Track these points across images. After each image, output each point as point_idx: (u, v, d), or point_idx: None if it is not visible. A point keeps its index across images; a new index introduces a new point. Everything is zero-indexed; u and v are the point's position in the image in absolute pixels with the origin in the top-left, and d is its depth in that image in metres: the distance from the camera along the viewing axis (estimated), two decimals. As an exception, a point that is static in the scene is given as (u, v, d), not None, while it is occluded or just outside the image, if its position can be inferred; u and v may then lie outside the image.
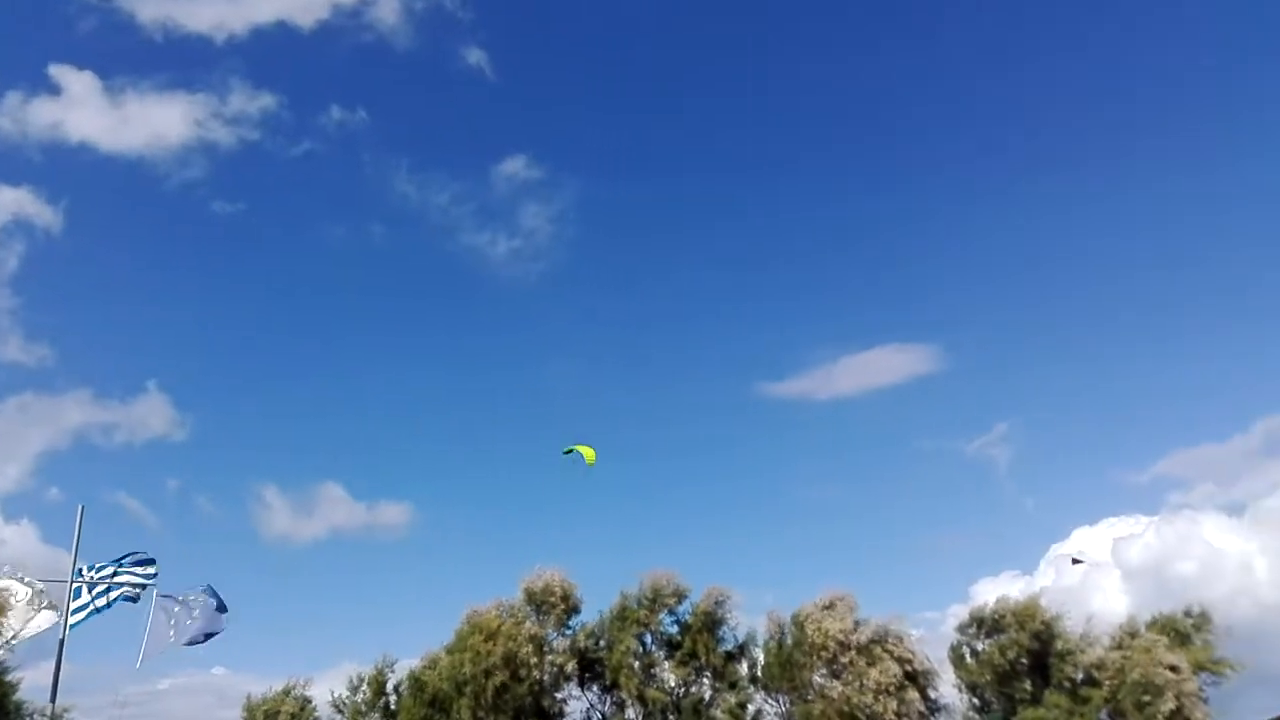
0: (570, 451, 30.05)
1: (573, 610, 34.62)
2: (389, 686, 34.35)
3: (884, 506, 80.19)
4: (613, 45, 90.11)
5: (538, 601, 34.18)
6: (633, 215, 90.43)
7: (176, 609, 25.26)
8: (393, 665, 34.50)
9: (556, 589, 34.13)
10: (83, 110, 72.87)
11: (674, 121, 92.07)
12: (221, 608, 24.49)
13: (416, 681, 33.36)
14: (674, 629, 35.06)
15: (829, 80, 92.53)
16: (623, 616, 34.56)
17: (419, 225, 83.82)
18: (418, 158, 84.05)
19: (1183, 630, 34.63)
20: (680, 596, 35.27)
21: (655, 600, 34.99)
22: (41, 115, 72.66)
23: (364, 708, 33.83)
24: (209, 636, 24.79)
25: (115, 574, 23.69)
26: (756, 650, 35.20)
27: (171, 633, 25.07)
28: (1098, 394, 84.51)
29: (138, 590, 23.93)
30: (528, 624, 33.46)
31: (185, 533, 71.46)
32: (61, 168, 76.23)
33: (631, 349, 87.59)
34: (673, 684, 34.08)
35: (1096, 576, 50.48)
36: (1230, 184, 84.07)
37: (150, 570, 24.15)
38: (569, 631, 34.53)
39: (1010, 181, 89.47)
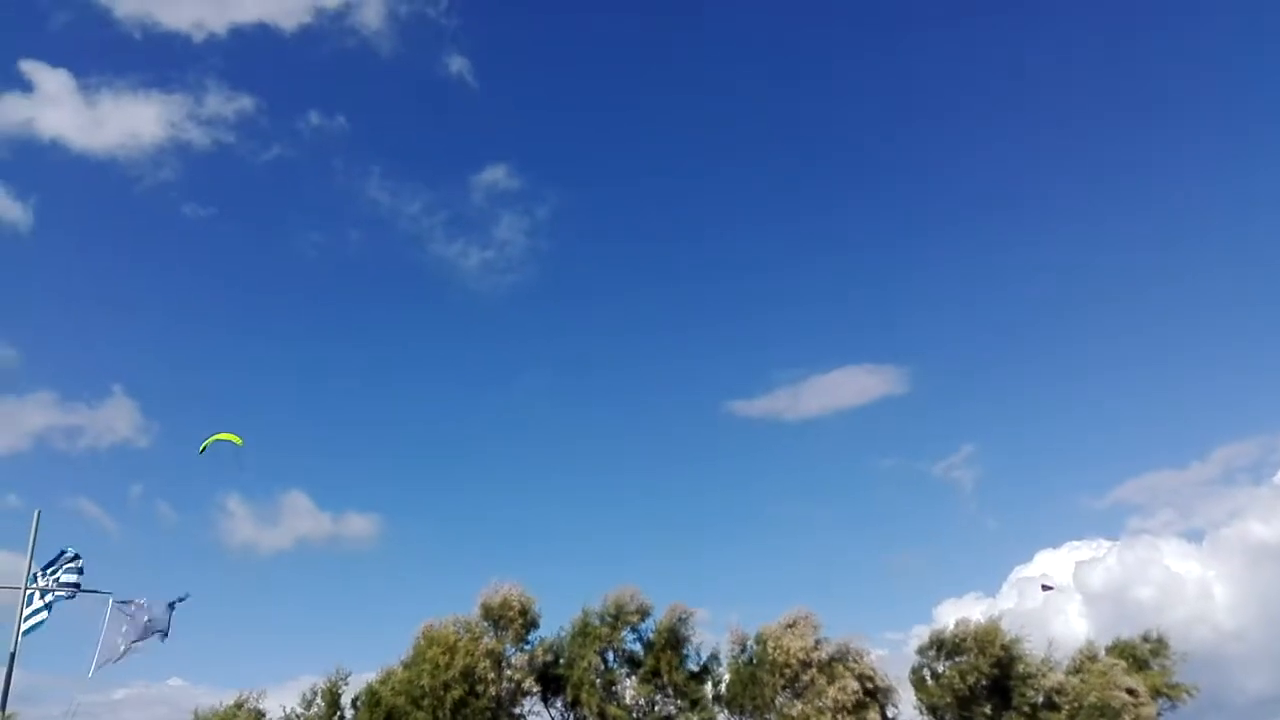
0: (204, 449, 29.84)
1: (531, 625, 34.25)
2: (344, 700, 33.70)
3: (850, 526, 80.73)
4: (597, 57, 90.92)
5: (495, 616, 33.78)
6: (607, 229, 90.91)
7: (130, 617, 24.85)
8: (347, 678, 33.87)
9: (515, 603, 33.75)
10: (55, 108, 71.99)
11: (654, 135, 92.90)
12: (170, 607, 24.13)
13: (372, 695, 32.81)
14: (637, 646, 34.81)
15: (804, 100, 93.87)
16: (584, 633, 34.25)
17: (390, 234, 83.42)
18: (392, 165, 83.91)
19: (1141, 655, 35.01)
20: (644, 613, 35.02)
21: (618, 617, 34.73)
22: (12, 112, 71.71)
23: (317, 722, 33.15)
24: (158, 634, 24.42)
25: (58, 577, 23.25)
26: (720, 669, 35.03)
27: (122, 642, 24.64)
28: (1061, 418, 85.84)
29: (73, 590, 23.51)
30: (485, 639, 33.07)
31: (146, 540, 70.28)
32: (32, 165, 75.29)
33: (601, 364, 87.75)
34: (635, 702, 33.75)
35: (1058, 600, 50.99)
36: (1189, 214, 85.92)
37: (78, 564, 23.77)
38: (528, 647, 34.15)
39: (979, 207, 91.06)
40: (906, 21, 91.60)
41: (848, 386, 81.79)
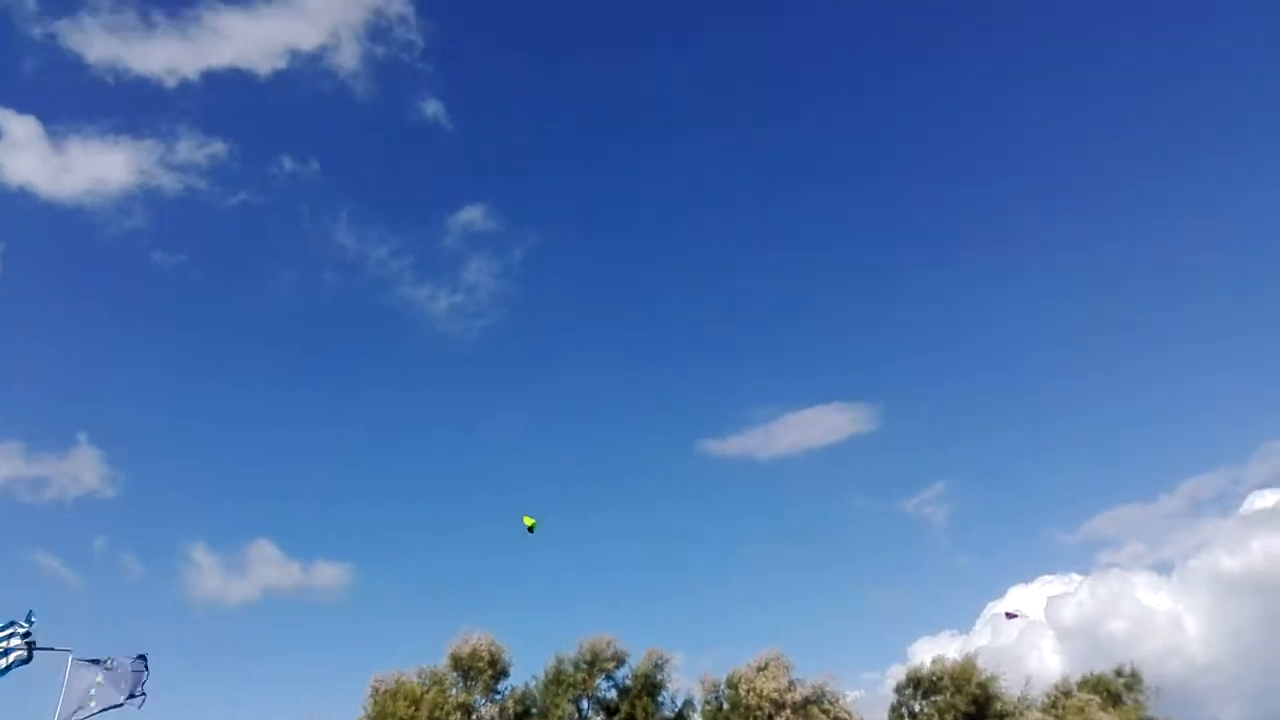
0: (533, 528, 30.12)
1: (502, 674, 33.59)
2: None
3: (823, 565, 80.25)
4: (571, 100, 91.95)
5: (465, 667, 33.12)
6: (579, 270, 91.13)
7: (98, 675, 24.17)
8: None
9: (484, 653, 33.12)
10: (23, 155, 71.29)
11: (626, 177, 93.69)
12: (140, 668, 23.44)
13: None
14: (612, 693, 34.24)
15: (774, 142, 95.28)
16: (558, 681, 33.63)
17: (358, 278, 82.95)
18: (362, 209, 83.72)
19: (1114, 690, 35.04)
20: (619, 660, 34.51)
21: (593, 664, 34.18)
22: (-21, 157, 70.82)
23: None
24: (132, 698, 23.73)
25: (10, 635, 22.57)
26: (695, 715, 34.53)
27: (92, 700, 23.92)
28: (1030, 454, 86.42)
29: (27, 649, 22.78)
30: (454, 690, 32.39)
31: (109, 593, 68.13)
32: (-2, 212, 74.11)
33: (573, 406, 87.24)
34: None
35: (1032, 635, 50.99)
36: (1158, 251, 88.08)
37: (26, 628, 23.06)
38: (498, 697, 33.47)
39: (951, 248, 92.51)
40: (875, 65, 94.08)
41: (819, 425, 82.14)
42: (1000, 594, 62.25)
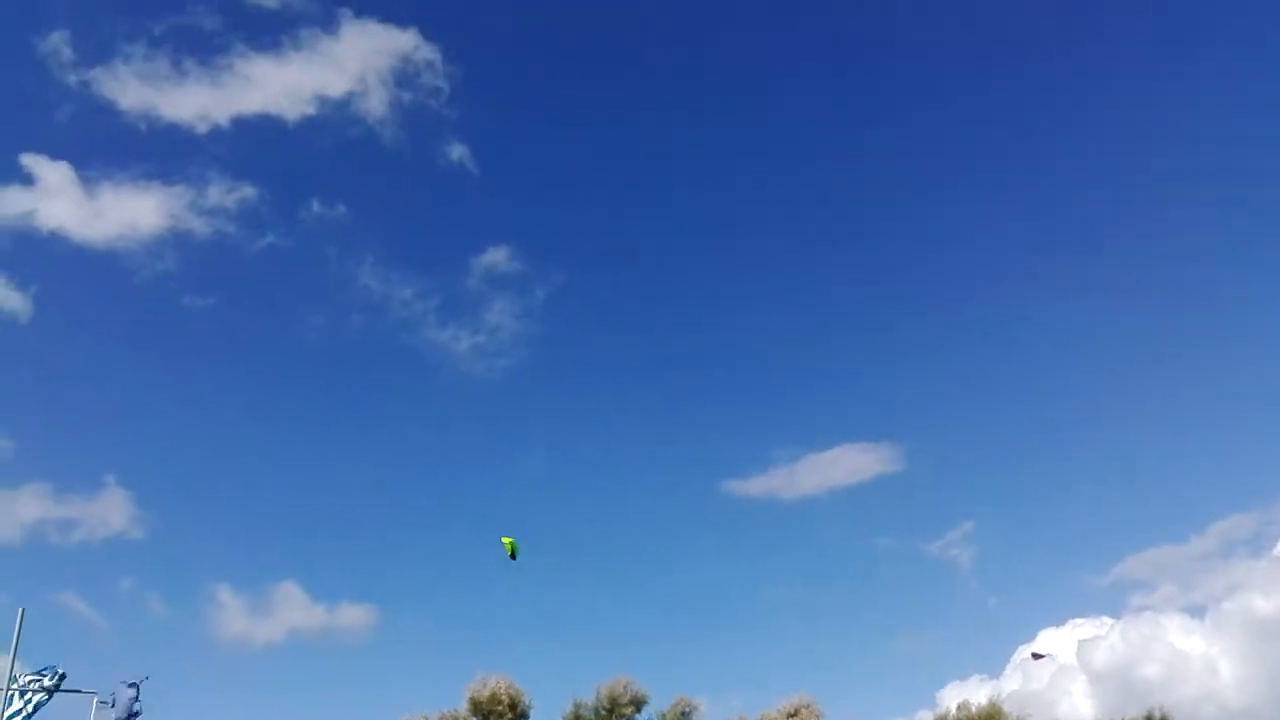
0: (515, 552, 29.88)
1: (521, 718, 33.17)
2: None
3: (849, 608, 78.73)
4: (597, 143, 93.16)
5: (484, 710, 32.74)
6: (601, 311, 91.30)
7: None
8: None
9: (503, 696, 32.74)
10: (57, 201, 72.76)
11: (651, 218, 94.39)
12: (134, 695, 23.68)
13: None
14: (634, 739, 33.74)
15: (797, 184, 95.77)
16: (577, 725, 33.23)
17: (382, 320, 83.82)
18: (388, 251, 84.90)
19: (1149, 736, 34.07)
20: (639, 704, 34.11)
21: (612, 710, 33.75)
22: (13, 204, 72.47)
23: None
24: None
25: (41, 683, 22.82)
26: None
27: None
28: (1059, 494, 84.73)
29: (55, 689, 23.10)
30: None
31: (135, 635, 67.96)
32: (32, 256, 75.60)
33: (595, 446, 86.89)
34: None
35: (1063, 679, 49.74)
36: (1182, 288, 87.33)
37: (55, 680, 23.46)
38: (518, 742, 33.02)
39: (973, 286, 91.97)
40: (897, 107, 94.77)
41: (843, 465, 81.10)
42: (1030, 637, 60.76)
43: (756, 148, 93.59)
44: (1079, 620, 57.65)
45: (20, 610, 22.74)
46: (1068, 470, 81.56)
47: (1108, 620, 57.08)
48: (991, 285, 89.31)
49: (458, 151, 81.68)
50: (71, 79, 72.75)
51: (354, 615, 68.52)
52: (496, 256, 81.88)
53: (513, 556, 29.64)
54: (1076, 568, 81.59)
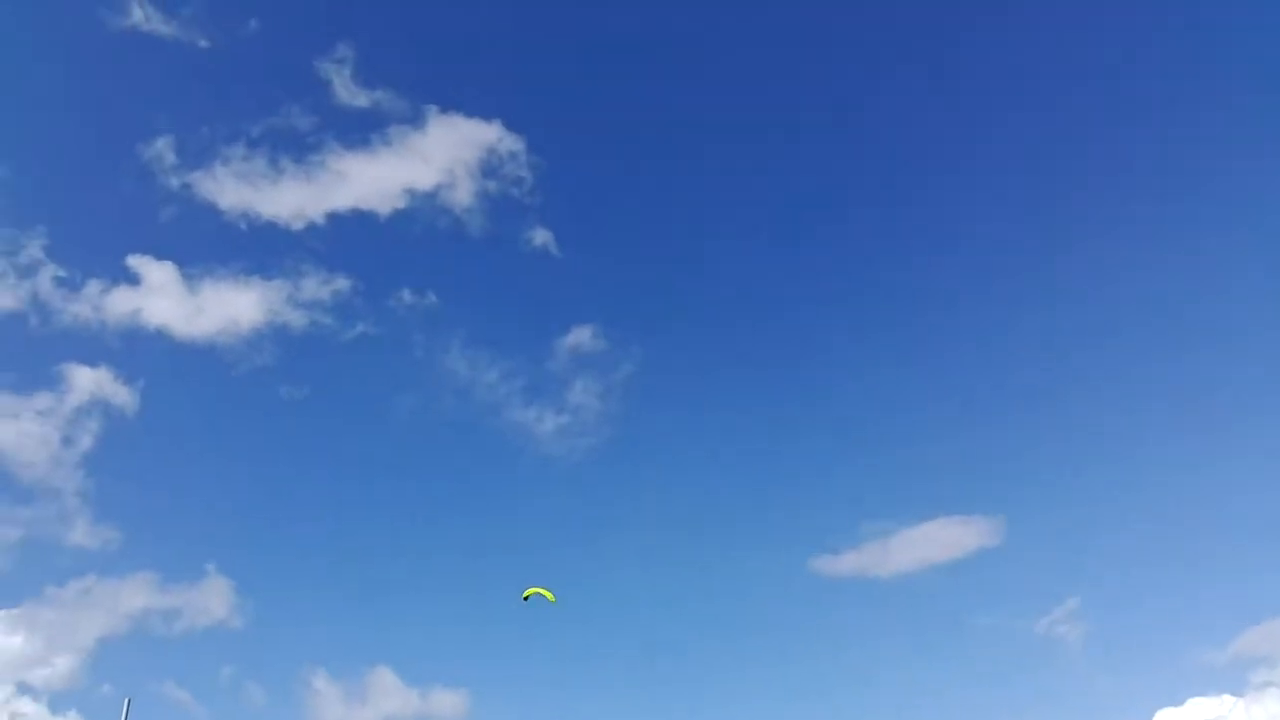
0: (528, 596, 30.39)
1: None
2: None
3: (950, 689, 75.08)
4: (677, 220, 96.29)
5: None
6: (684, 386, 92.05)
7: None
8: None
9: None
10: (161, 298, 78.10)
11: (736, 289, 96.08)
12: None
13: None
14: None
15: (881, 251, 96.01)
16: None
17: (469, 403, 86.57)
18: (473, 335, 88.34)
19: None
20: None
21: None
22: (120, 303, 77.99)
23: None
24: None
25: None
26: None
27: None
28: (1171, 565, 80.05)
29: None
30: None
31: (234, 724, 69.92)
32: (138, 352, 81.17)
33: (680, 525, 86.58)
34: None
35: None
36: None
37: None
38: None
39: (1068, 350, 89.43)
40: (1001, 160, 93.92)
41: (939, 539, 78.51)
42: (1146, 719, 57.37)
43: (837, 224, 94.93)
44: (1199, 700, 54.26)
45: (127, 700, 23.94)
46: (1179, 538, 77.24)
47: (1230, 699, 53.57)
48: (1085, 351, 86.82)
49: (541, 236, 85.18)
50: (174, 181, 79.10)
51: (447, 701, 69.24)
52: (580, 336, 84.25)
53: (551, 601, 30.22)
54: (1193, 643, 76.37)
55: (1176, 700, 57.49)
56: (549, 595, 30.54)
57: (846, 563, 77.59)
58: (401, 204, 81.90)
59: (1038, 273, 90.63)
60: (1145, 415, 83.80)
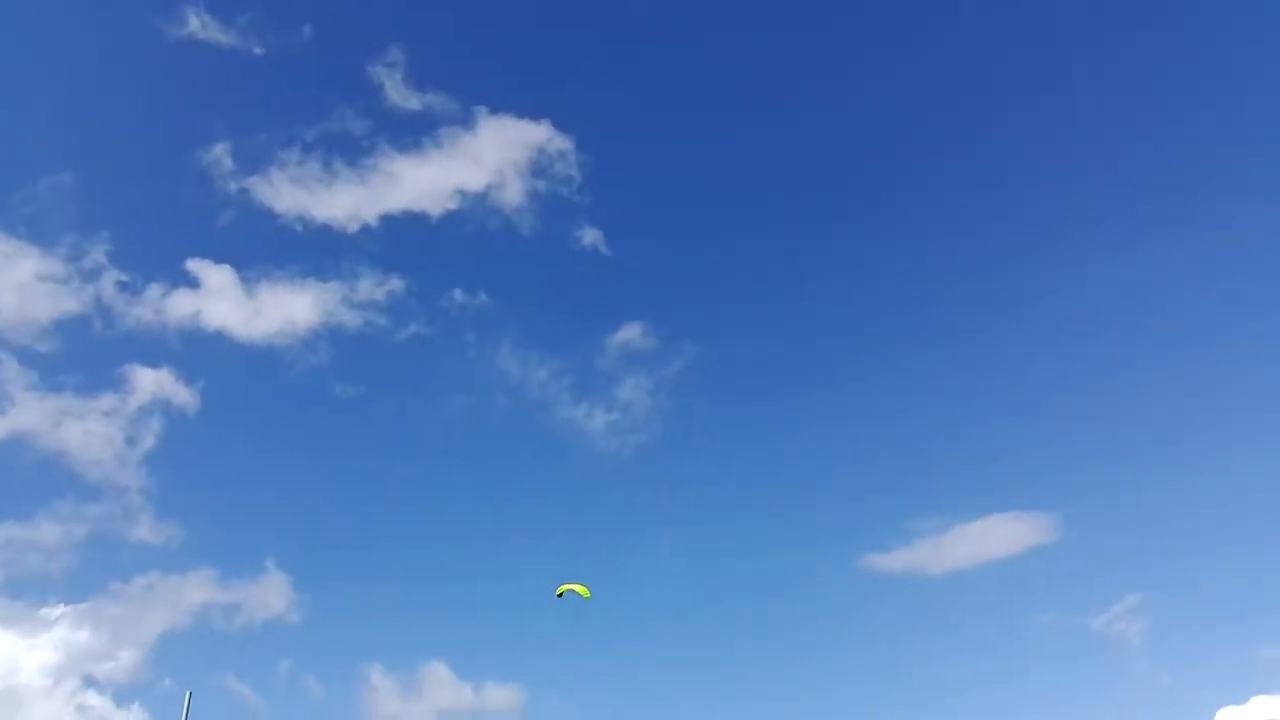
0: (562, 593, 30.66)
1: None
2: None
3: (1007, 688, 74.16)
4: (724, 220, 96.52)
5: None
6: (733, 381, 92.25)
7: None
8: None
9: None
10: (220, 301, 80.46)
11: (780, 284, 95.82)
12: None
13: None
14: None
15: (934, 253, 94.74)
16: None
17: (520, 401, 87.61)
18: (524, 334, 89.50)
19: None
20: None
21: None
22: (180, 306, 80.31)
23: None
24: None
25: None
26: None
27: None
28: (1233, 559, 78.15)
29: None
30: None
31: (293, 717, 71.85)
32: (198, 354, 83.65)
33: (729, 521, 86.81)
34: None
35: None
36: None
37: None
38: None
39: (1127, 340, 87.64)
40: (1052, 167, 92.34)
41: (993, 536, 77.50)
42: (1209, 718, 56.27)
43: (886, 222, 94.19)
44: (1264, 698, 53.09)
45: (188, 693, 24.74)
46: (1241, 534, 75.44)
47: (1297, 696, 52.31)
48: (1146, 339, 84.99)
49: (590, 235, 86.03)
50: (232, 186, 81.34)
51: (500, 696, 70.40)
52: (630, 333, 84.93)
53: (586, 598, 30.52)
54: (1256, 639, 74.61)
55: (1239, 698, 56.32)
56: (583, 591, 30.88)
57: (898, 560, 77.11)
58: (453, 205, 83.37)
59: (1100, 264, 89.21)
60: (1207, 407, 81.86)
